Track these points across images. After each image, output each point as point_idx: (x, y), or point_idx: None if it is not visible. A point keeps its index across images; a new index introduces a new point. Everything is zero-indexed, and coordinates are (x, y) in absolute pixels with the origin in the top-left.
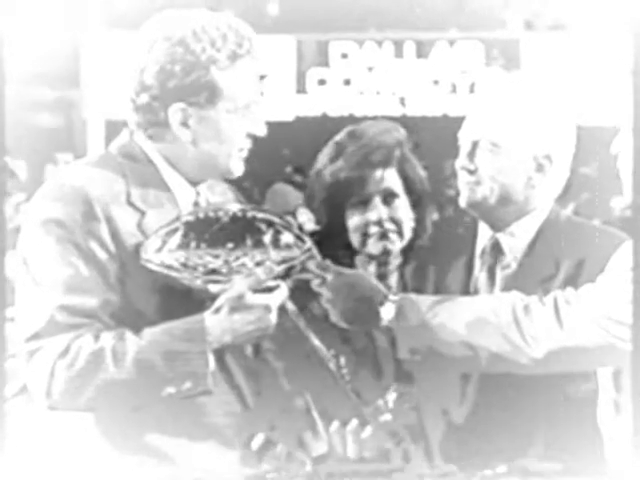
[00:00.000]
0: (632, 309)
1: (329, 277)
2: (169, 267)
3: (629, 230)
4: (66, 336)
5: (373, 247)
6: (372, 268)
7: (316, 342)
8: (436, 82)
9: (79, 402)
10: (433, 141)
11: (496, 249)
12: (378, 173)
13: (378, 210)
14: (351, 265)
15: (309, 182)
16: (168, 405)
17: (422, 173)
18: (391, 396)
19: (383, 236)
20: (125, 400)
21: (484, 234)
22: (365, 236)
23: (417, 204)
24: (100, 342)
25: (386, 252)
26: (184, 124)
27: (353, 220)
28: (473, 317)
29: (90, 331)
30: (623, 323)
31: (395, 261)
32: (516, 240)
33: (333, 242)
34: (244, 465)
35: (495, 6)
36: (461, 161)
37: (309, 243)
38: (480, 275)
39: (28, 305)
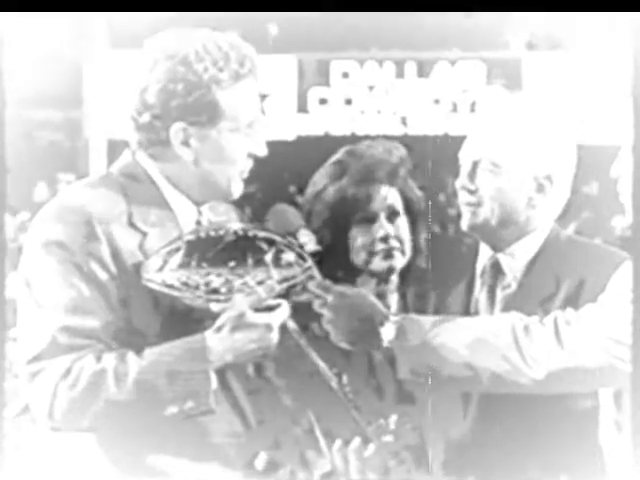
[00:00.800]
0: (632, 329)
1: (330, 298)
2: (170, 286)
3: (629, 250)
4: (68, 357)
5: (378, 265)
6: (372, 287)
7: (318, 361)
8: (437, 101)
9: (81, 423)
10: (434, 160)
11: (496, 269)
12: (383, 190)
13: (384, 227)
14: (352, 285)
15: (306, 204)
16: (170, 426)
17: (418, 193)
18: (393, 417)
19: (388, 254)
20: (127, 420)
21: (484, 254)
22: (371, 254)
23: (414, 224)
24: (102, 363)
25: (390, 270)
26: (185, 143)
27: (358, 238)
28: (473, 338)
29: (92, 352)
30: (624, 343)
31: (395, 280)
32: (516, 260)
33: (334, 262)
34: None
35: (497, 26)
36: (461, 181)
37: (310, 261)
38: (480, 295)
39: (30, 326)
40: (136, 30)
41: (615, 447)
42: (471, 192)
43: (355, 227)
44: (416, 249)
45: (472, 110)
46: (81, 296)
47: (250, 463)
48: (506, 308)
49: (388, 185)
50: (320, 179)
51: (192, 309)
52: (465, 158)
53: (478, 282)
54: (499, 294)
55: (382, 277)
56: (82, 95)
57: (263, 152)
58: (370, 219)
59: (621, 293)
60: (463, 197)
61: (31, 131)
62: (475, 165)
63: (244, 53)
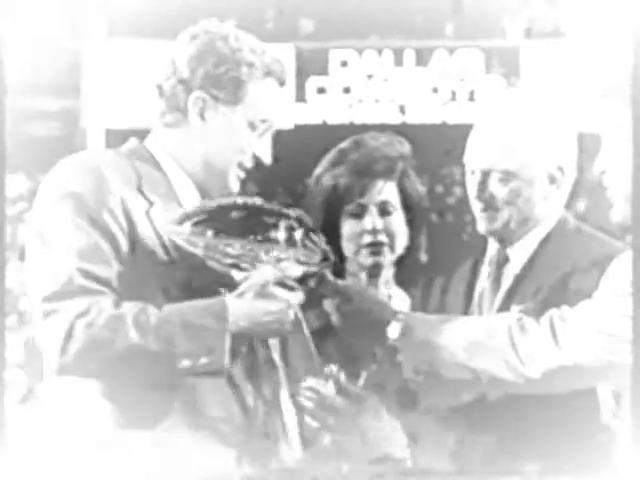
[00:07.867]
0: (632, 324)
1: (337, 299)
2: (194, 244)
3: (629, 244)
4: (85, 299)
5: (365, 259)
6: (363, 276)
7: (316, 356)
8: (435, 90)
9: (92, 366)
10: (433, 149)
11: (502, 257)
12: (378, 184)
13: (373, 220)
14: (342, 271)
15: (309, 186)
16: (175, 392)
17: (421, 190)
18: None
19: (375, 251)
20: (140, 369)
21: (491, 246)
22: (359, 246)
23: (413, 220)
24: (122, 308)
25: (377, 265)
26: (201, 115)
27: (347, 227)
28: (471, 339)
29: (109, 297)
30: (620, 338)
31: (387, 273)
32: (523, 249)
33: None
34: (239, 465)
35: (495, 14)
36: (475, 192)
37: (332, 258)
38: (485, 284)
39: (44, 269)
40: (134, 20)
41: (616, 445)
42: (487, 202)
43: (346, 217)
44: (414, 245)
45: (471, 99)
46: (96, 245)
47: (245, 443)
48: (512, 297)
49: (384, 179)
50: (323, 163)
51: (206, 272)
52: (473, 167)
53: (484, 271)
54: (504, 283)
55: (370, 271)
56: (80, 84)
57: (267, 160)
58: (361, 211)
59: (616, 286)
60: (478, 206)
61: (28, 122)
62: (486, 175)
63: (277, 59)
